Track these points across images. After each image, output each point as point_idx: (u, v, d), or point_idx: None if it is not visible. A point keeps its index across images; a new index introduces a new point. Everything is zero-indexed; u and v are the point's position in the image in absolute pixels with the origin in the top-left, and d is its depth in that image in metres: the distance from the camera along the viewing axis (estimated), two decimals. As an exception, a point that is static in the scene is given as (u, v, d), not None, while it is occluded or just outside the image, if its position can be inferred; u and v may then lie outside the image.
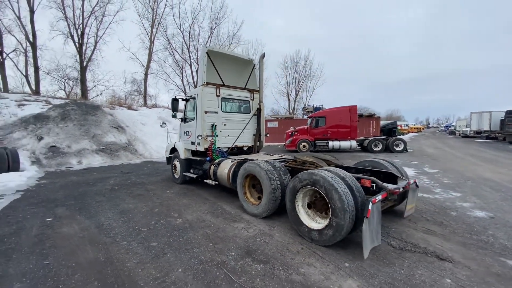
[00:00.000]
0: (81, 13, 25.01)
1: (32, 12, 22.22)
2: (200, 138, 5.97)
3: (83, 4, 24.84)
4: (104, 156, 11.82)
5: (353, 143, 15.24)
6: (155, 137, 15.31)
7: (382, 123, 23.98)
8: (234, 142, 6.52)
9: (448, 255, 2.95)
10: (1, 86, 21.44)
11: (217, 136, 6.14)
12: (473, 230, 3.68)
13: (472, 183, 6.61)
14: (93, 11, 25.66)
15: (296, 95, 47.80)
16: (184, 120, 6.91)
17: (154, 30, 31.21)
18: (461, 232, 3.60)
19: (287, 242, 3.36)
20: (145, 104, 29.96)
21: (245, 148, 6.94)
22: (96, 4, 25.57)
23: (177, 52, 35.67)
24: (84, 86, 26.98)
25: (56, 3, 23.49)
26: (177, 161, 7.01)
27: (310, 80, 46.74)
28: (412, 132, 51.01)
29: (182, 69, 36.52)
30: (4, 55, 21.95)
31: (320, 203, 3.43)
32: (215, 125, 6.09)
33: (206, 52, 6.03)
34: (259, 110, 6.90)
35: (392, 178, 4.09)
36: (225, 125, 6.34)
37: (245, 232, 3.70)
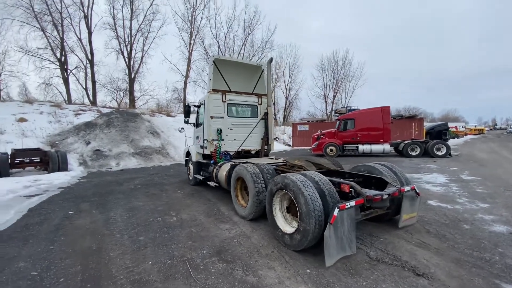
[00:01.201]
0: (129, 31, 28.11)
1: (90, 33, 25.76)
2: (205, 142, 6.30)
3: (131, 23, 27.90)
4: (139, 158, 13.07)
5: (386, 147, 14.15)
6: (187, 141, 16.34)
7: (430, 124, 21.79)
8: (240, 146, 6.69)
9: (430, 271, 2.65)
10: (66, 98, 25.23)
11: (222, 140, 6.40)
12: (479, 246, 3.20)
13: (511, 194, 5.67)
14: (139, 29, 28.60)
15: (334, 96, 46.29)
16: (196, 125, 7.35)
17: (192, 41, 33.39)
18: (462, 247, 3.17)
19: (261, 245, 3.38)
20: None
21: (253, 152, 7.06)
22: (142, 22, 28.44)
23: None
24: (132, 96, 30.09)
25: (109, 25, 26.83)
26: (190, 164, 7.46)
27: (350, 80, 44.90)
28: (471, 135, 45.04)
29: (218, 77, 38.36)
30: (68, 71, 25.82)
31: (294, 207, 3.38)
32: (221, 130, 6.35)
33: (213, 61, 6.36)
34: (266, 114, 6.97)
35: (384, 184, 3.79)
36: (231, 129, 6.57)
37: (227, 233, 3.82)
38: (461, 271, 2.65)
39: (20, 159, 9.31)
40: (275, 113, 48.48)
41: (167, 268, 2.84)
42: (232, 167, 5.04)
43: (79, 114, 16.69)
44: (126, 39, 28.42)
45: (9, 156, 8.88)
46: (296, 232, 3.05)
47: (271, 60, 6.96)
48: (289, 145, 26.06)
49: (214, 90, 6.34)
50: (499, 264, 2.76)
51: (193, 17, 33.02)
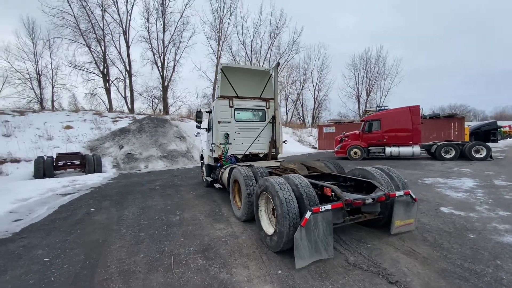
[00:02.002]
0: (162, 43, 30.19)
1: (128, 47, 28.23)
2: (213, 146, 6.62)
3: (163, 35, 29.96)
4: (166, 161, 13.99)
5: (416, 149, 13.17)
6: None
7: (476, 124, 19.84)
8: (247, 149, 6.88)
9: (406, 280, 2.54)
10: (108, 107, 27.93)
11: (230, 144, 6.65)
12: (475, 257, 2.95)
13: (547, 202, 4.99)
14: (171, 39, 30.55)
15: (368, 96, 44.28)
16: (208, 129, 7.73)
17: (220, 48, 34.63)
18: (454, 258, 2.95)
19: (246, 245, 3.51)
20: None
21: (261, 155, 7.20)
22: (174, 33, 30.31)
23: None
24: (165, 103, 32.16)
25: (144, 38, 29.11)
26: (203, 166, 7.86)
27: (384, 78, 42.55)
28: (529, 135, 39.52)
29: (245, 81, 39.18)
30: (110, 82, 28.55)
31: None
32: (228, 134, 6.62)
33: (221, 69, 6.67)
34: (273, 117, 7.07)
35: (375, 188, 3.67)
36: (238, 133, 6.80)
37: (219, 232, 4.02)
38: (441, 282, 2.50)
39: (63, 162, 10.66)
40: (303, 116, 47.96)
41: (154, 261, 3.13)
42: (231, 169, 5.24)
43: (116, 121, 18.42)
44: (160, 50, 30.62)
45: (53, 159, 10.24)
46: (274, 233, 3.14)
47: (278, 64, 7.07)
48: (315, 148, 25.53)
49: (221, 97, 6.64)
50: (489, 277, 2.54)
51: (221, 25, 34.35)
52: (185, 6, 30.25)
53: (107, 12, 26.99)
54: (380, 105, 25.46)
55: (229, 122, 6.70)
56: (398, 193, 3.45)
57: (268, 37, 38.25)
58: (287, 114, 46.76)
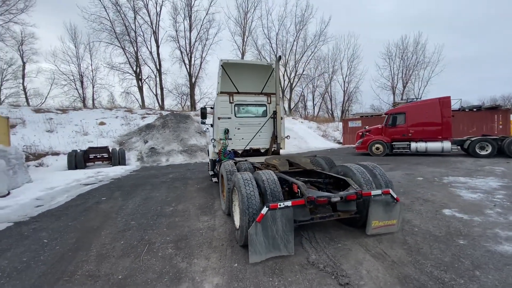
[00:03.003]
0: (189, 41, 31.26)
1: (158, 47, 29.77)
2: (213, 141, 6.79)
3: (190, 34, 30.98)
4: (185, 155, 14.66)
5: (447, 145, 11.99)
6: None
7: None
8: (247, 145, 6.93)
9: (359, 283, 2.43)
10: (140, 104, 29.90)
11: (230, 139, 6.76)
12: (452, 266, 2.68)
13: None
14: (197, 37, 31.49)
15: (404, 87, 41.24)
16: (212, 125, 7.92)
17: (245, 43, 34.78)
18: (427, 264, 2.72)
19: (219, 237, 3.61)
20: (237, 110, 33.98)
21: (262, 150, 7.19)
22: (200, 30, 31.17)
23: (266, 60, 38.24)
24: (192, 99, 33.44)
25: (172, 37, 30.39)
26: (209, 161, 8.12)
27: (424, 67, 39.11)
28: None
29: (270, 75, 38.93)
30: (142, 81, 30.47)
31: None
32: (227, 129, 6.73)
33: (221, 65, 6.76)
34: (275, 112, 6.99)
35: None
36: (238, 129, 6.87)
37: (200, 224, 4.18)
38: (397, 288, 2.35)
39: (93, 155, 11.79)
40: (331, 109, 46.25)
41: (130, 248, 3.39)
42: (220, 165, 5.36)
43: (144, 117, 19.71)
44: (187, 48, 31.79)
45: (84, 152, 11.39)
46: (239, 228, 3.19)
47: (279, 58, 6.95)
48: (340, 143, 24.57)
49: (221, 93, 6.76)
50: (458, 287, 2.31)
51: (245, 20, 34.44)
52: (210, 4, 30.88)
53: (138, 14, 28.70)
54: (414, 97, 23.38)
55: (229, 118, 6.80)
56: (374, 192, 3.26)
57: (294, 29, 37.36)
58: (314, 108, 45.63)
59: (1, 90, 26.03)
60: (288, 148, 19.45)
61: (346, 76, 42.52)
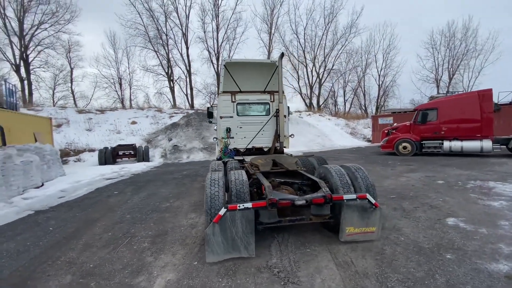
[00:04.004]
0: (216, 41, 32.06)
1: (187, 48, 31.05)
2: (215, 139, 6.94)
3: (217, 34, 31.75)
4: (205, 153, 15.18)
5: (486, 144, 10.58)
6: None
7: None
8: (249, 143, 6.93)
9: (307, 291, 2.33)
10: (172, 104, 31.58)
11: (232, 138, 6.85)
12: (420, 281, 2.41)
13: None
14: (225, 36, 32.14)
15: (450, 79, 37.42)
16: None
17: (271, 40, 34.56)
18: (392, 278, 2.48)
19: (195, 235, 3.71)
20: (264, 108, 34.08)
21: (265, 149, 7.14)
22: (227, 29, 31.77)
23: (294, 55, 37.59)
24: (220, 97, 34.26)
25: (200, 38, 31.44)
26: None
27: (475, 56, 34.92)
28: None
29: (297, 72, 38.23)
30: (173, 81, 32.12)
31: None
32: (229, 128, 6.81)
33: (224, 65, 6.86)
34: (277, 111, 6.88)
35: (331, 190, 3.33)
36: (240, 127, 6.92)
37: (185, 221, 4.34)
38: (345, 300, 2.20)
39: (121, 152, 12.86)
40: (365, 105, 43.70)
41: (114, 239, 3.67)
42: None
43: (172, 116, 20.83)
44: (215, 48, 32.63)
45: (112, 149, 12.48)
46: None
47: (282, 55, 6.79)
48: (369, 141, 23.17)
49: (224, 92, 6.86)
50: (407, 306, 2.08)
51: (272, 16, 34.15)
52: (236, 3, 31.22)
53: (169, 18, 30.24)
54: (456, 90, 20.91)
55: (231, 117, 6.87)
56: (347, 196, 3.06)
57: (323, 23, 35.98)
58: (345, 104, 43.61)
59: (54, 93, 29.65)
60: (311, 146, 18.99)
61: (381, 69, 39.74)
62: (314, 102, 39.05)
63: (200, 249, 3.23)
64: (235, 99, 6.89)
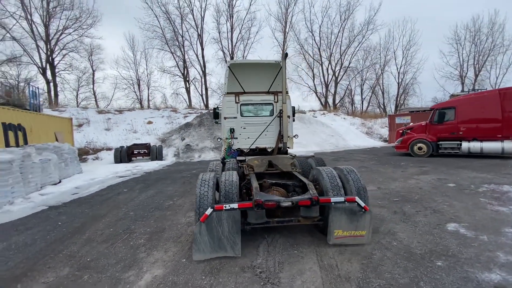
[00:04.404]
0: (231, 41, 32.36)
1: (202, 49, 31.61)
2: (219, 140, 7.06)
3: (232, 34, 32.04)
4: (216, 152, 15.41)
5: (508, 145, 9.91)
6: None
7: None
8: (252, 144, 6.98)
9: (285, 292, 2.35)
10: (188, 104, 32.30)
11: (235, 138, 6.93)
12: (397, 283, 2.36)
13: None
14: (239, 36, 32.37)
15: (476, 75, 35.45)
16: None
17: (286, 39, 34.33)
18: (376, 283, 2.44)
19: (189, 233, 3.81)
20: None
21: (269, 150, 7.14)
22: (241, 29, 31.97)
23: (309, 54, 37.11)
24: (234, 97, 34.53)
25: (215, 39, 31.88)
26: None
27: (503, 51, 32.88)
28: None
29: (312, 70, 37.69)
30: (189, 82, 32.81)
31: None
32: (233, 129, 6.90)
33: (228, 66, 6.95)
34: (281, 111, 6.87)
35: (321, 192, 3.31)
36: (244, 128, 6.98)
37: (183, 219, 4.48)
38: (321, 303, 2.20)
39: (136, 150, 13.38)
40: (383, 104, 42.25)
41: (114, 235, 3.87)
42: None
43: (186, 116, 21.32)
44: (229, 49, 32.96)
45: (127, 148, 13.02)
46: (197, 225, 3.35)
47: (286, 55, 6.77)
48: (386, 141, 22.42)
49: (228, 93, 6.96)
50: (382, 312, 2.05)
51: (286, 15, 33.89)
52: (250, 3, 31.31)
53: (185, 20, 30.91)
54: (480, 88, 19.65)
55: (235, 118, 6.96)
56: (334, 199, 3.03)
57: (339, 20, 35.19)
58: (362, 103, 42.46)
59: (78, 94, 31.36)
60: (324, 146, 18.70)
61: (400, 67, 38.31)
62: (330, 100, 38.39)
63: (191, 247, 3.32)
64: (238, 100, 6.97)
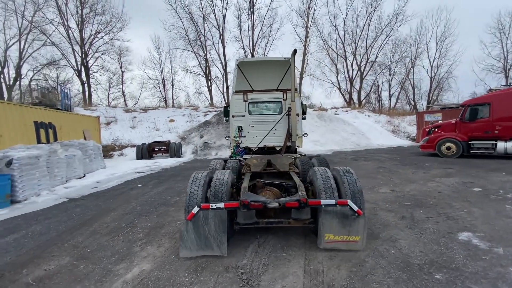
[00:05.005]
0: (251, 39, 32.38)
1: (224, 48, 32.01)
2: (227, 138, 7.09)
3: (252, 32, 32.04)
4: (233, 150, 15.58)
5: (555, 146, 8.77)
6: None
7: None
8: (260, 142, 6.92)
9: (262, 295, 2.31)
10: (210, 102, 32.98)
11: (243, 137, 6.93)
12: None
13: None
14: (260, 33, 32.28)
15: None
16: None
17: (308, 35, 33.54)
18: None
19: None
20: (299, 105, 33.56)
21: (277, 148, 7.05)
22: (262, 26, 31.85)
23: (332, 49, 35.93)
24: (255, 95, 34.60)
25: (236, 38, 32.11)
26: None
27: None
28: None
29: (336, 66, 36.41)
30: (211, 81, 33.46)
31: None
32: (241, 127, 6.90)
33: (237, 65, 6.95)
34: (289, 109, 6.72)
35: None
36: (252, 126, 6.95)
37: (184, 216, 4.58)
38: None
39: (156, 147, 13.98)
40: (414, 100, 39.60)
41: (117, 228, 4.08)
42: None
43: (206, 114, 21.80)
44: (250, 47, 32.99)
45: (148, 146, 13.66)
46: (188, 223, 3.40)
47: (295, 52, 6.61)
48: (414, 140, 21.03)
49: (236, 92, 6.96)
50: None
51: (308, 10, 33.05)
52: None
53: (208, 20, 31.51)
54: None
55: (243, 116, 6.95)
56: (324, 202, 2.91)
57: (365, 12, 33.55)
58: (389, 99, 40.28)
59: (109, 94, 33.51)
60: (344, 145, 18.06)
61: (434, 60, 35.63)
62: (355, 97, 36.90)
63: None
64: (247, 98, 6.95)
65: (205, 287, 2.44)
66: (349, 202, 2.88)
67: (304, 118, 7.92)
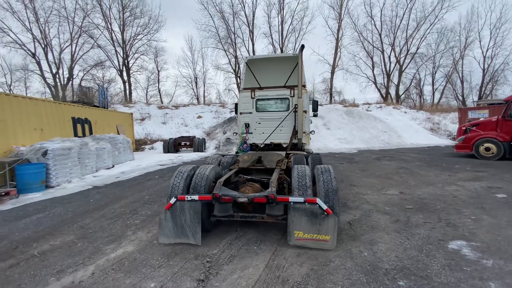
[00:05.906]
0: (280, 35, 32.05)
1: (253, 44, 32.18)
2: (235, 135, 7.29)
3: (282, 27, 31.69)
4: (254, 146, 15.80)
5: None
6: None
7: None
8: (266, 139, 6.97)
9: (215, 284, 2.46)
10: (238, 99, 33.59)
11: (251, 133, 7.06)
12: (335, 299, 2.17)
13: None
14: (290, 27, 31.81)
15: None
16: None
17: (340, 28, 32.09)
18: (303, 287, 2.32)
19: (177, 219, 4.21)
20: (330, 100, 32.51)
21: (284, 145, 7.04)
22: (293, 20, 31.33)
23: (368, 41, 33.89)
24: (284, 91, 34.34)
25: (265, 34, 32.09)
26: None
27: None
28: None
29: (372, 59, 34.26)
30: (239, 78, 33.98)
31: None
32: (248, 124, 7.03)
33: (245, 62, 7.08)
34: (296, 106, 6.65)
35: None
36: (259, 123, 7.04)
37: (182, 207, 4.90)
38: (240, 299, 2.24)
39: (182, 142, 14.82)
40: (462, 94, 35.53)
41: (121, 214, 4.56)
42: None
43: (232, 111, 22.31)
44: (280, 42, 32.71)
45: (174, 140, 14.56)
46: (173, 213, 3.68)
47: (302, 47, 6.51)
48: (454, 139, 18.98)
49: (244, 89, 7.10)
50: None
51: (341, 1, 31.50)
52: (302, -8, 30.21)
53: (239, 17, 31.95)
54: None
55: (250, 113, 7.08)
56: (293, 199, 2.94)
57: (405, 1, 30.87)
58: (433, 94, 36.75)
59: (148, 92, 36.11)
60: (372, 143, 17.12)
61: (487, 50, 31.61)
62: (393, 92, 34.43)
63: (169, 232, 3.68)
64: (254, 95, 7.05)
65: (169, 271, 2.67)
66: (318, 200, 2.85)
67: (315, 115, 7.77)
